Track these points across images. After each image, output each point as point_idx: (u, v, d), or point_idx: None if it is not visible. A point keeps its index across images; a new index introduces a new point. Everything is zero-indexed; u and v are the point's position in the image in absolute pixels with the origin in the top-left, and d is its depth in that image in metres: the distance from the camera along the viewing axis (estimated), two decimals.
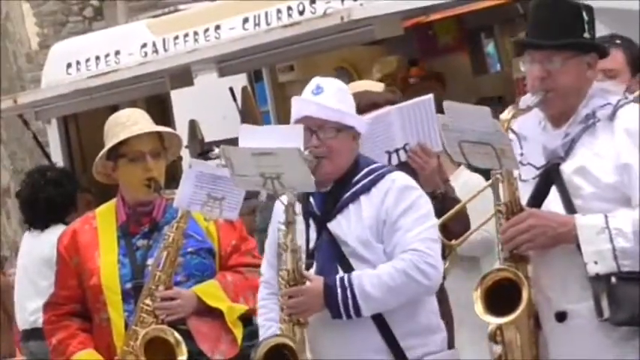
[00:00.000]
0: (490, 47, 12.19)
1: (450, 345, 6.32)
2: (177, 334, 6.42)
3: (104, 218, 6.88)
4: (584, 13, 5.76)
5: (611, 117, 5.64)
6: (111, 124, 6.84)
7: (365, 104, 6.65)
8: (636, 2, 10.17)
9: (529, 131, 5.82)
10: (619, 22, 8.63)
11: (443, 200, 6.46)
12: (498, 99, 11.91)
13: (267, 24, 12.96)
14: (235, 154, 6.24)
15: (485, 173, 6.49)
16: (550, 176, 5.69)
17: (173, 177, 7.21)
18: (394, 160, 6.37)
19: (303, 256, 6.10)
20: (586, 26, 5.77)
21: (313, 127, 6.14)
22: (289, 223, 6.02)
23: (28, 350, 11.66)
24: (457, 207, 6.79)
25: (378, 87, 7.69)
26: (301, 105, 6.22)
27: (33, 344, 11.17)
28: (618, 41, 7.06)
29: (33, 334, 10.73)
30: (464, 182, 7.46)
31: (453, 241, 7.04)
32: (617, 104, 5.67)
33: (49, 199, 11.39)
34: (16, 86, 19.75)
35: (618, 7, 9.76)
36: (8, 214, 16.23)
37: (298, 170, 6.04)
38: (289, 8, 12.87)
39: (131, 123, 6.76)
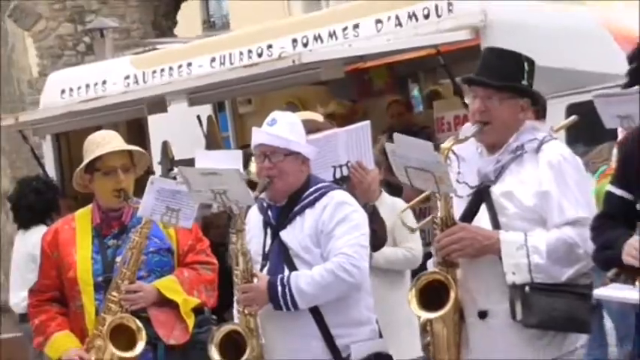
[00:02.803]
0: (415, 91, 12.55)
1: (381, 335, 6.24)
2: (138, 322, 6.43)
3: (81, 220, 6.85)
4: (526, 64, 5.85)
5: (537, 150, 5.73)
6: (89, 143, 6.86)
7: (311, 129, 6.66)
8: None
9: (467, 154, 5.85)
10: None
11: (372, 212, 6.42)
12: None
13: (231, 63, 12.94)
14: (190, 174, 6.42)
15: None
16: (481, 196, 5.75)
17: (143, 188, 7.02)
18: (337, 174, 6.42)
19: (259, 257, 6.17)
20: (525, 75, 5.84)
21: (267, 152, 6.15)
22: (238, 231, 6.12)
23: (24, 330, 11.48)
24: (419, 198, 7.14)
25: (320, 117, 7.89)
26: (257, 134, 6.27)
27: (26, 326, 11.20)
28: (527, 91, 6.91)
29: (25, 317, 10.67)
30: (391, 205, 7.54)
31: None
32: (543, 140, 5.76)
33: (30, 205, 11.35)
34: (18, 107, 19.87)
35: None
36: (7, 215, 15.82)
37: (239, 187, 6.23)
38: (249, 51, 12.92)
39: (105, 142, 6.79)
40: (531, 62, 5.80)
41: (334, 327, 5.99)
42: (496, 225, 5.57)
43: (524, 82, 5.73)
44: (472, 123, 5.76)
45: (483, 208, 5.64)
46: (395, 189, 6.60)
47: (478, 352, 5.72)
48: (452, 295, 5.55)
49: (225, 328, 6.12)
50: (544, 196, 5.53)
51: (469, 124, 5.80)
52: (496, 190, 5.60)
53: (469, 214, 5.66)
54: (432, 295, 5.61)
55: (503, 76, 5.69)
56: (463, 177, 5.68)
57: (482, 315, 5.61)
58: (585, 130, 7.72)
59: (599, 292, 5.38)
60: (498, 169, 5.66)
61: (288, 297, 5.90)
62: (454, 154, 5.70)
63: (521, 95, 5.73)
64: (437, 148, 5.74)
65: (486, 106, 5.64)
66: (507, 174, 5.64)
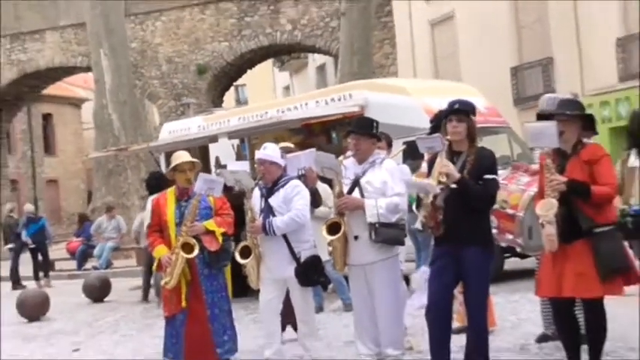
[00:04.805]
0: (334, 135, 12.02)
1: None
2: (195, 241, 6.39)
3: (170, 193, 6.75)
4: (374, 123, 5.98)
5: (381, 163, 5.88)
6: (173, 157, 6.81)
7: (286, 151, 6.87)
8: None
9: (349, 165, 5.96)
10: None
11: (315, 191, 6.43)
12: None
13: (248, 120, 12.80)
14: (224, 173, 6.78)
15: (329, 184, 6.52)
16: (355, 183, 5.86)
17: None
18: (299, 173, 6.39)
19: (258, 211, 6.21)
20: (375, 127, 5.97)
21: (262, 162, 6.19)
22: (248, 199, 6.27)
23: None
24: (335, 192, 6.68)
25: (292, 146, 8.19)
26: (258, 154, 6.27)
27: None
28: (384, 135, 7.08)
29: None
30: (323, 187, 7.20)
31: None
32: (384, 158, 5.96)
33: (154, 184, 11.07)
34: (148, 139, 19.62)
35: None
36: (143, 188, 15.59)
37: (247, 179, 6.43)
38: (257, 115, 12.79)
39: (180, 157, 6.74)
40: (376, 122, 5.97)
41: (293, 242, 6.07)
42: (362, 196, 5.75)
43: (374, 131, 5.93)
44: (351, 150, 5.96)
45: (357, 189, 5.81)
46: (325, 180, 6.71)
47: (354, 256, 5.82)
48: (342, 228, 5.74)
49: (242, 244, 6.27)
50: (385, 183, 5.74)
51: (350, 151, 5.98)
52: (362, 181, 5.81)
53: (350, 192, 5.82)
54: (333, 228, 5.77)
55: (364, 129, 5.91)
56: (347, 175, 5.88)
57: (356, 238, 5.77)
58: (411, 153, 7.67)
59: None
60: (364, 171, 5.86)
61: (272, 229, 6.00)
62: (344, 165, 5.91)
63: (372, 137, 5.92)
64: (336, 158, 5.89)
65: (357, 142, 5.86)
66: (367, 173, 5.83)
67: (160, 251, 6.54)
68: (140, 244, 13.09)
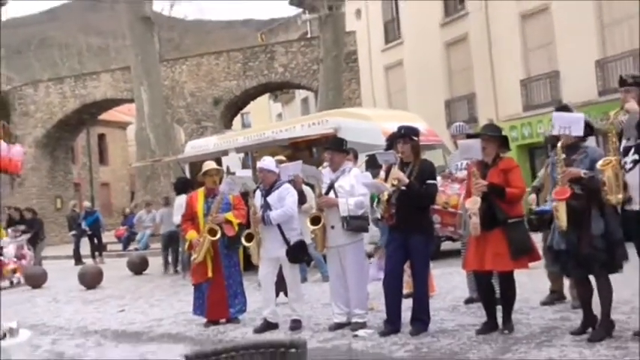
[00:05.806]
0: (315, 150, 11.84)
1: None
2: (218, 227, 6.34)
3: (200, 192, 6.68)
4: (344, 142, 5.82)
5: (350, 171, 5.68)
6: (204, 164, 6.75)
7: (280, 162, 6.53)
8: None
9: (326, 173, 5.74)
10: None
11: (301, 192, 6.16)
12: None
13: (252, 139, 12.63)
14: (233, 177, 6.46)
15: (312, 187, 6.35)
16: (331, 187, 5.68)
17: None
18: (290, 178, 6.14)
19: (260, 206, 5.98)
20: (345, 144, 5.80)
21: (262, 171, 6.00)
22: (251, 198, 6.05)
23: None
24: (316, 193, 6.62)
25: (283, 158, 7.82)
26: (259, 164, 6.05)
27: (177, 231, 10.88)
28: (352, 150, 6.91)
29: (179, 225, 10.30)
30: (307, 190, 6.94)
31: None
32: (351, 168, 5.77)
33: (180, 187, 11.00)
34: (176, 153, 19.17)
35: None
36: (172, 189, 15.27)
37: (250, 182, 6.22)
38: (257, 135, 12.65)
39: (209, 165, 6.69)
40: (345, 141, 5.86)
41: (285, 230, 5.89)
42: (336, 196, 5.56)
43: (344, 148, 5.80)
44: (327, 162, 5.75)
45: (332, 191, 5.62)
46: (309, 184, 6.50)
47: (330, 240, 5.61)
48: (322, 220, 5.56)
49: (246, 231, 6.04)
50: (353, 186, 5.53)
51: (326, 162, 5.78)
52: (336, 185, 5.61)
53: (327, 193, 5.62)
54: (315, 220, 5.59)
55: (337, 146, 5.78)
56: (324, 180, 5.69)
57: (332, 227, 5.58)
58: (372, 164, 7.58)
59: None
60: (337, 177, 5.67)
61: (269, 220, 5.83)
62: (322, 172, 5.71)
63: (343, 152, 5.78)
64: (317, 168, 5.85)
65: (332, 156, 5.70)
66: (340, 179, 5.64)
67: (191, 235, 6.54)
68: (160, 232, 13.03)
